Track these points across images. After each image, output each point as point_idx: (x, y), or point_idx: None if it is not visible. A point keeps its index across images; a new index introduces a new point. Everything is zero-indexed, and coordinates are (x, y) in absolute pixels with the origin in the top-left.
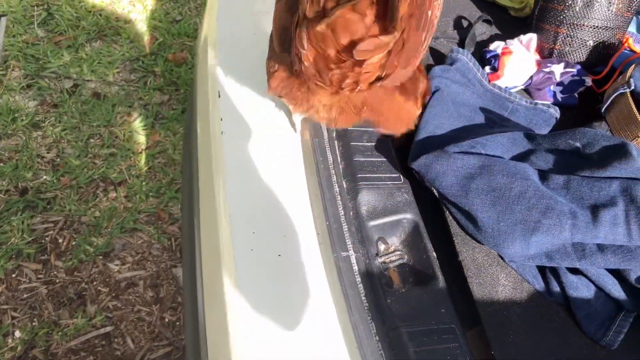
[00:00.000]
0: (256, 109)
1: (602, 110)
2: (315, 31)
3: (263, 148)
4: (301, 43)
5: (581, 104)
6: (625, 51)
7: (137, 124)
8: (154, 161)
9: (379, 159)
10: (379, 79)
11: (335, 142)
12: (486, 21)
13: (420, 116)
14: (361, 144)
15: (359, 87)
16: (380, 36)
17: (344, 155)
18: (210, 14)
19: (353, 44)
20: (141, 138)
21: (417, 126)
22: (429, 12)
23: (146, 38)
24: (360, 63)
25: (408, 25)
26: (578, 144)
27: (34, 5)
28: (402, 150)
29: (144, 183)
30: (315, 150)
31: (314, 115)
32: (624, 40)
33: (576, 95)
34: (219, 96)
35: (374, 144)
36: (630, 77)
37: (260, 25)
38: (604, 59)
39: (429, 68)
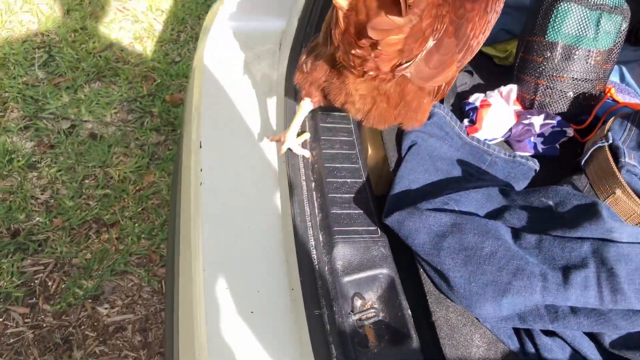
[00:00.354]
0: (237, 162)
1: (582, 163)
2: (340, 8)
3: (241, 201)
4: (333, 21)
5: (563, 155)
6: (608, 101)
7: (133, 164)
8: (148, 202)
9: (357, 211)
10: (399, 65)
11: (314, 193)
12: (467, 72)
13: (396, 170)
14: (339, 195)
15: (380, 71)
16: (392, 16)
17: (322, 207)
18: (197, 64)
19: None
20: (136, 179)
21: (392, 180)
22: (468, 30)
23: (145, 79)
24: (376, 44)
25: (436, 17)
26: (551, 202)
27: (36, 47)
28: (381, 201)
29: (136, 224)
30: (292, 203)
31: (350, 107)
32: (607, 90)
33: (557, 146)
34: (200, 146)
35: (352, 195)
36: (608, 130)
37: (247, 74)
38: (585, 109)
39: None
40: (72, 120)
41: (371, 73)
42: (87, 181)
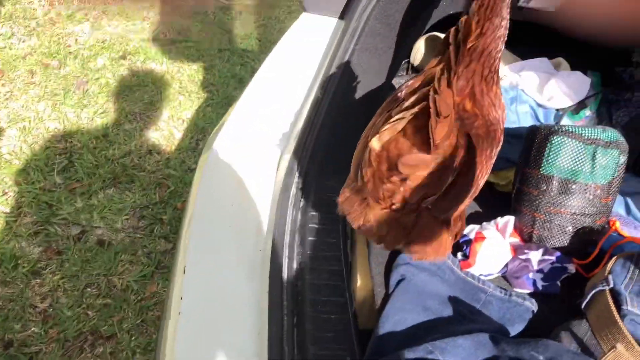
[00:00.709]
0: (219, 294)
1: (582, 307)
2: (372, 149)
3: (216, 337)
4: (364, 162)
5: (566, 292)
6: (613, 234)
7: (137, 273)
8: (148, 314)
9: (339, 353)
10: (424, 197)
11: (294, 329)
12: None
13: (382, 309)
14: (321, 334)
15: (408, 204)
16: (421, 153)
17: (301, 347)
18: (193, 185)
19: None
20: (138, 288)
21: (377, 321)
22: (477, 172)
23: (159, 186)
24: (405, 179)
25: (455, 158)
26: (541, 358)
27: (58, 153)
28: (368, 338)
29: (133, 338)
30: (271, 344)
31: (367, 232)
32: (611, 223)
33: (558, 283)
34: (184, 272)
35: (335, 334)
36: (609, 272)
37: (241, 198)
38: (587, 244)
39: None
40: (82, 226)
41: (398, 205)
42: (89, 289)
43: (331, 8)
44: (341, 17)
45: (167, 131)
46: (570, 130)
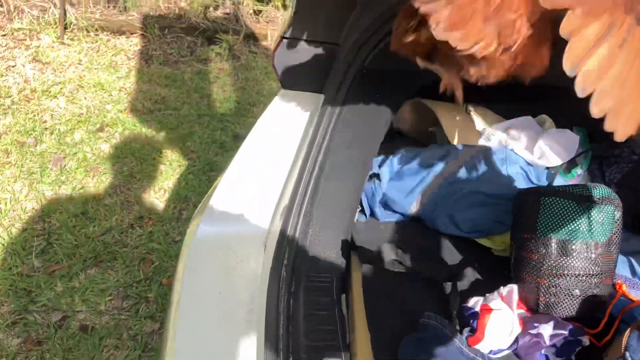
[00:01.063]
0: None
1: None
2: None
3: None
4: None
5: None
6: (621, 298)
7: (123, 359)
8: None
9: None
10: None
11: None
12: (468, 264)
13: None
14: None
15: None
16: None
17: None
18: (178, 272)
19: None
20: None
21: None
22: None
23: (142, 261)
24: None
25: None
26: None
27: (35, 235)
28: None
29: None
30: None
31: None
32: (618, 286)
33: (573, 358)
34: None
35: None
36: (625, 348)
37: (230, 281)
38: (596, 306)
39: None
40: (63, 312)
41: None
42: None
43: (308, 85)
44: (320, 91)
45: (148, 203)
46: (561, 189)
